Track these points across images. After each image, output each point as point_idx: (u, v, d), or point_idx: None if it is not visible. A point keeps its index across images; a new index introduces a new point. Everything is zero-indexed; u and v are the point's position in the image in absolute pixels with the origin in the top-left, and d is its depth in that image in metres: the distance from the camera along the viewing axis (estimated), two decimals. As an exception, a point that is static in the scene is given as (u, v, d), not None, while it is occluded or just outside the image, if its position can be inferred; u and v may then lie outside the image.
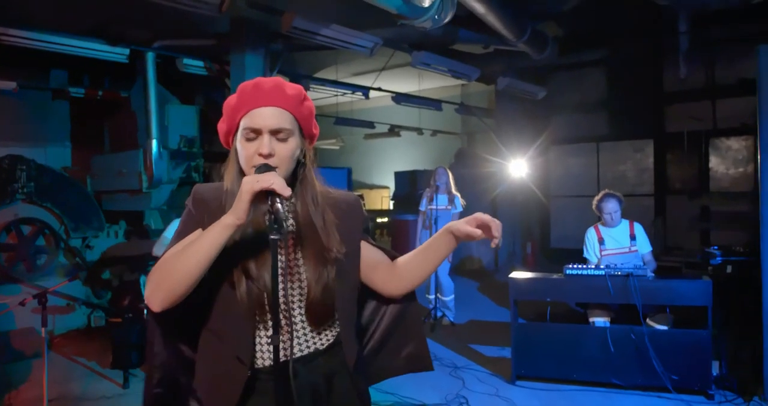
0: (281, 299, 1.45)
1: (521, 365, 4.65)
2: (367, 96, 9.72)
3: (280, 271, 1.48)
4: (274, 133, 1.42)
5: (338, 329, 1.57)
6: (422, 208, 6.75)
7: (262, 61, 6.49)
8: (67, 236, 6.30)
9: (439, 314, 6.57)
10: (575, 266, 4.60)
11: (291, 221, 1.53)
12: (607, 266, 4.54)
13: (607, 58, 9.10)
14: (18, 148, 7.95)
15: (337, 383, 1.56)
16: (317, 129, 1.58)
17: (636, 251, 4.86)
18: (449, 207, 6.54)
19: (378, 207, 18.00)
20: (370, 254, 1.67)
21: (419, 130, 14.93)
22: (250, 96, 1.44)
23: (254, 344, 1.48)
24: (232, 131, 1.49)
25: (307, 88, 9.17)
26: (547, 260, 10.18)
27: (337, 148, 18.48)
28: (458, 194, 6.65)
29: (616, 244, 4.91)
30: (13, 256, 5.82)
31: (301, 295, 1.50)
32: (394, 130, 14.67)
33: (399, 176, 13.77)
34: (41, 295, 3.51)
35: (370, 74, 11.87)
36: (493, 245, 1.59)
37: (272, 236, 1.28)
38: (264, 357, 1.49)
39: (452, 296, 6.66)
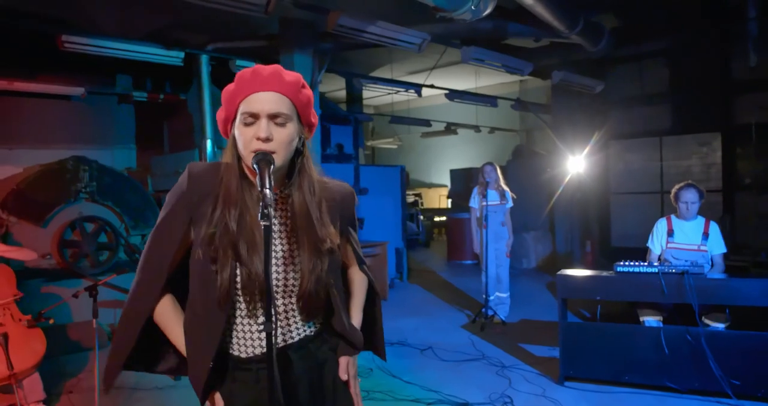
0: (274, 287, 1.46)
1: (570, 365, 4.49)
2: (419, 94, 9.66)
3: (275, 259, 1.48)
4: (272, 117, 1.42)
5: (324, 318, 1.60)
6: (473, 204, 6.66)
7: (311, 61, 6.56)
8: (127, 233, 6.56)
9: (490, 312, 6.46)
10: (627, 263, 4.41)
11: (283, 211, 1.53)
12: (662, 263, 4.32)
13: (668, 47, 8.69)
14: (87, 150, 8.37)
15: (328, 370, 1.56)
16: (316, 118, 1.58)
17: (705, 250, 4.57)
18: (502, 202, 6.43)
19: (436, 206, 17.93)
20: (346, 252, 1.72)
21: (476, 128, 14.78)
22: (249, 82, 1.44)
23: (231, 332, 1.49)
24: (231, 118, 1.49)
25: (359, 87, 9.22)
26: (608, 259, 9.83)
27: (395, 147, 18.53)
28: (508, 189, 6.52)
29: (686, 239, 4.64)
30: (77, 252, 6.10)
31: (294, 284, 1.50)
32: (450, 128, 14.57)
33: (455, 174, 13.66)
34: (92, 287, 3.65)
35: (425, 72, 11.83)
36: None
37: (264, 223, 1.27)
38: (246, 345, 1.50)
39: (509, 293, 6.59)
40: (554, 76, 8.17)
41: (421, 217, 15.51)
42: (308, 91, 1.52)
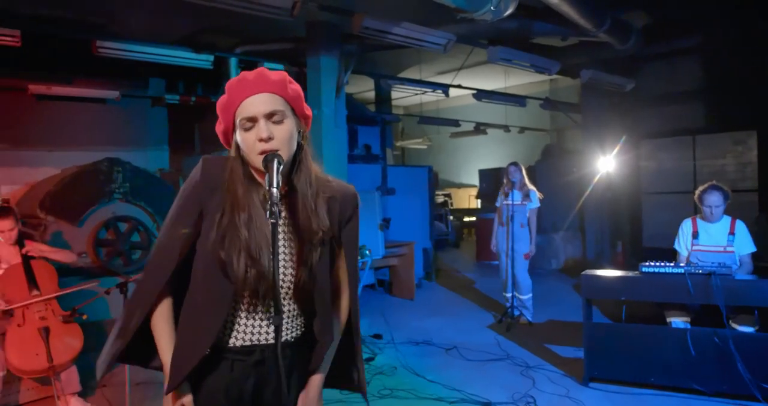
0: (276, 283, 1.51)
1: (594, 366, 4.46)
2: (447, 94, 9.65)
3: (280, 256, 1.53)
4: (269, 116, 1.48)
5: (307, 322, 1.63)
6: (497, 204, 6.65)
7: (337, 62, 6.63)
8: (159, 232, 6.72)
9: (516, 313, 6.43)
10: (652, 263, 4.35)
11: (284, 208, 1.57)
12: (688, 264, 4.26)
13: (701, 44, 8.51)
14: (122, 152, 8.60)
15: (293, 381, 1.61)
16: (309, 111, 1.62)
17: (732, 251, 4.47)
18: (524, 202, 6.38)
19: (465, 206, 17.86)
20: (340, 264, 1.70)
21: (506, 128, 14.67)
22: (237, 89, 1.50)
23: (232, 324, 1.54)
24: (230, 128, 1.54)
25: (387, 88, 9.26)
26: (639, 260, 9.66)
27: (425, 147, 18.51)
28: (534, 188, 6.47)
29: (711, 241, 4.56)
30: (111, 251, 6.29)
31: (291, 280, 1.55)
32: (479, 128, 14.50)
33: (483, 174, 13.60)
34: (123, 285, 3.78)
35: (454, 72, 11.81)
36: None
37: (272, 221, 1.32)
38: (243, 338, 1.55)
39: (530, 295, 6.50)
40: (583, 75, 8.09)
41: (451, 217, 15.47)
42: (296, 86, 1.57)
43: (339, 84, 6.69)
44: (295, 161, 1.56)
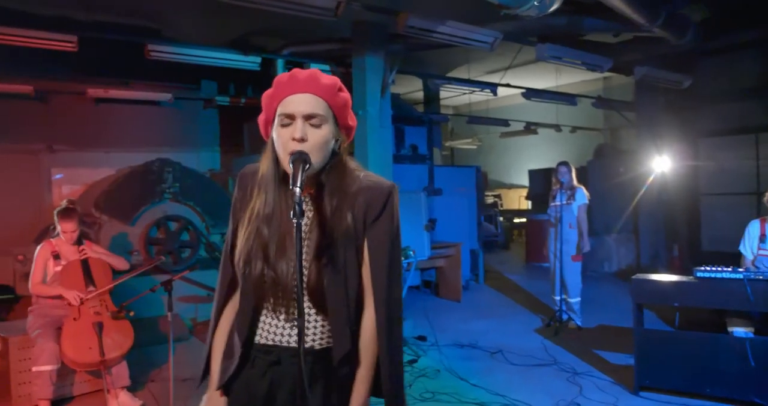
0: (295, 284, 1.48)
1: (646, 374, 4.28)
2: (495, 93, 9.49)
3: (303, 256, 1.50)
4: (308, 118, 1.44)
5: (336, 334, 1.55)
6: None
7: (382, 62, 6.61)
8: (208, 231, 6.86)
9: (564, 316, 6.26)
10: (708, 268, 4.14)
11: (310, 208, 1.54)
12: (747, 270, 4.04)
13: (762, 37, 8.07)
14: (175, 152, 8.83)
15: (315, 393, 1.51)
16: (354, 122, 1.58)
17: None
18: (569, 202, 6.20)
19: (516, 207, 17.59)
20: (364, 269, 1.56)
21: (557, 127, 14.36)
22: (286, 85, 1.47)
23: (258, 321, 1.55)
24: (270, 120, 1.53)
25: (434, 87, 9.19)
26: (698, 264, 9.27)
27: (474, 147, 18.31)
28: (581, 187, 6.28)
29: None
30: (161, 249, 6.45)
31: (314, 283, 1.51)
32: (530, 128, 14.25)
33: (533, 175, 13.35)
34: (167, 282, 3.85)
35: (503, 72, 11.62)
36: None
37: (295, 221, 1.30)
38: (265, 337, 1.54)
39: (578, 299, 6.30)
40: (637, 72, 7.81)
41: (501, 218, 15.25)
42: (345, 94, 1.53)
43: (384, 84, 6.66)
44: (328, 165, 1.52)
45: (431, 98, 12.77)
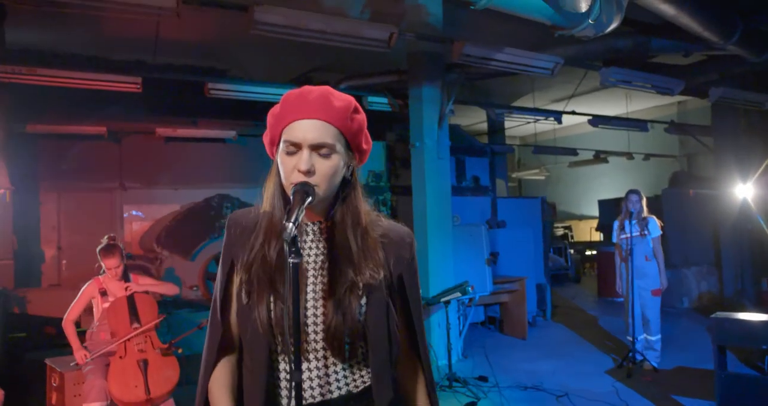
0: (308, 328, 1.33)
1: (732, 425, 3.84)
2: (559, 121, 9.22)
3: (313, 297, 1.35)
4: (315, 148, 1.29)
5: (377, 372, 1.37)
6: (615, 239, 6.11)
7: (439, 92, 6.50)
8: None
9: (639, 357, 5.80)
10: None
11: (323, 243, 1.39)
12: None
13: None
14: (238, 188, 8.98)
15: None
16: (369, 144, 1.42)
17: None
18: (643, 233, 5.80)
19: (586, 238, 16.90)
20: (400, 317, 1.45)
21: (629, 155, 13.79)
22: (294, 106, 1.32)
23: (277, 381, 1.36)
24: (275, 142, 1.37)
25: (495, 117, 9.00)
26: (791, 299, 8.52)
27: (542, 178, 17.89)
28: (653, 216, 5.87)
29: None
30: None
31: (324, 322, 1.34)
32: (599, 156, 13.75)
33: (603, 205, 12.80)
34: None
35: (571, 100, 11.30)
36: None
37: (292, 260, 1.16)
38: (282, 395, 1.36)
39: (659, 336, 5.85)
40: (712, 94, 7.36)
41: (571, 250, 14.65)
42: (360, 116, 1.38)
43: (442, 114, 6.54)
44: (338, 196, 1.38)
45: (495, 129, 12.56)
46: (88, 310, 4.31)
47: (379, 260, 1.37)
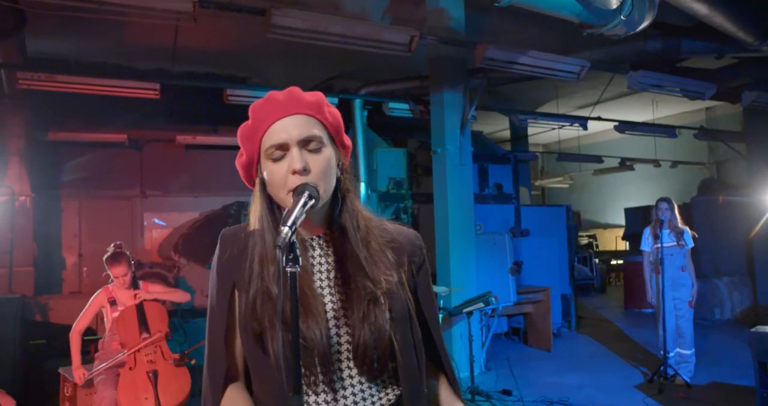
0: (331, 349, 1.20)
1: (774, 446, 3.61)
2: (585, 127, 9.00)
3: (329, 315, 1.21)
4: (304, 143, 1.18)
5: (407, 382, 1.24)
6: (644, 248, 5.88)
7: (461, 97, 6.36)
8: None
9: (670, 372, 5.55)
10: None
11: (332, 257, 1.26)
12: None
13: None
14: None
15: None
16: (349, 141, 1.32)
17: None
18: (679, 244, 5.57)
19: (612, 248, 16.56)
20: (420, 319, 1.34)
21: (656, 162, 13.49)
22: (267, 111, 1.21)
23: None
24: (255, 159, 1.24)
25: (518, 123, 8.82)
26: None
27: (566, 186, 17.61)
28: (687, 228, 5.64)
29: None
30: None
31: (349, 341, 1.21)
32: (625, 164, 13.47)
33: (630, 213, 12.51)
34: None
35: (596, 106, 11.08)
36: None
37: (290, 269, 1.03)
38: None
39: (693, 350, 5.61)
40: (744, 98, 7.12)
41: (596, 260, 14.34)
42: (334, 110, 1.28)
43: (464, 120, 6.39)
44: (336, 198, 1.26)
45: (519, 136, 12.37)
46: (102, 318, 4.23)
47: (389, 262, 1.26)
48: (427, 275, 1.38)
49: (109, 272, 4.06)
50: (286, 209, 1.09)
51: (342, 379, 1.21)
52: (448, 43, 5.50)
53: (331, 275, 1.25)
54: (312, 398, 1.20)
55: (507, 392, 5.34)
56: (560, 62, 5.86)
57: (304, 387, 1.20)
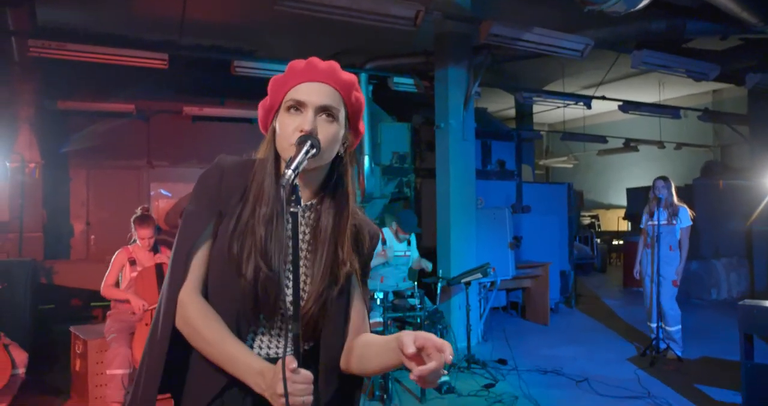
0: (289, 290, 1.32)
1: (755, 414, 3.75)
2: (589, 106, 9.04)
3: (288, 277, 1.32)
4: (321, 110, 1.27)
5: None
6: (642, 225, 5.98)
7: (465, 73, 6.41)
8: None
9: (662, 346, 5.70)
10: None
11: (311, 225, 1.36)
12: None
13: None
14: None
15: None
16: (363, 129, 1.41)
17: None
18: (671, 222, 5.66)
19: (614, 228, 16.66)
20: (358, 311, 1.43)
21: (660, 144, 13.50)
22: (302, 71, 1.29)
23: (254, 335, 1.32)
24: (275, 108, 1.33)
25: (522, 100, 8.87)
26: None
27: (570, 166, 17.65)
28: (684, 205, 5.72)
29: None
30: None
31: (299, 305, 1.23)
32: (629, 145, 13.48)
33: (631, 194, 12.57)
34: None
35: (601, 86, 11.08)
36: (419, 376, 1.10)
37: (292, 209, 1.12)
38: (260, 353, 1.32)
39: (678, 327, 5.71)
40: (749, 80, 7.14)
41: (597, 239, 14.46)
42: (361, 96, 1.37)
43: (467, 96, 6.45)
44: (331, 174, 1.35)
45: (523, 114, 12.39)
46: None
47: (356, 248, 1.39)
48: (368, 267, 1.49)
49: (135, 233, 4.25)
50: (290, 156, 1.17)
51: (272, 329, 1.32)
52: (454, 18, 5.54)
53: (304, 245, 1.34)
54: (267, 335, 1.32)
55: (502, 361, 5.50)
56: (564, 40, 5.90)
57: (264, 322, 1.31)
